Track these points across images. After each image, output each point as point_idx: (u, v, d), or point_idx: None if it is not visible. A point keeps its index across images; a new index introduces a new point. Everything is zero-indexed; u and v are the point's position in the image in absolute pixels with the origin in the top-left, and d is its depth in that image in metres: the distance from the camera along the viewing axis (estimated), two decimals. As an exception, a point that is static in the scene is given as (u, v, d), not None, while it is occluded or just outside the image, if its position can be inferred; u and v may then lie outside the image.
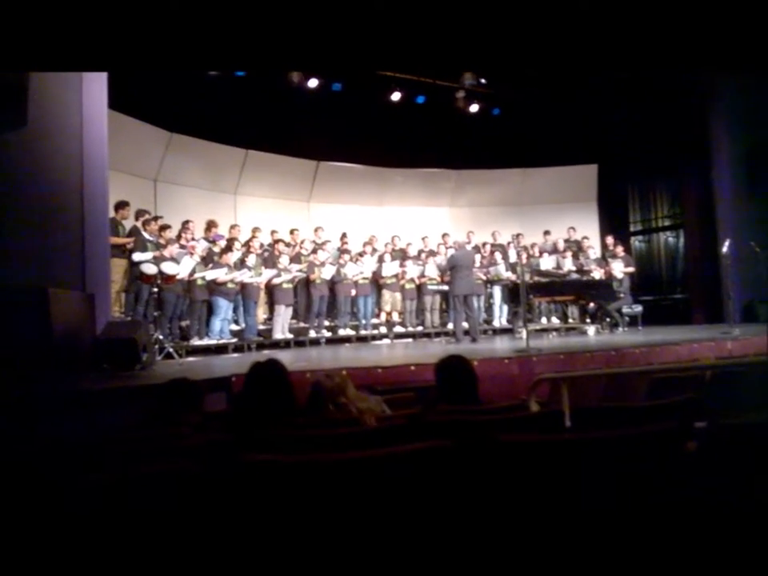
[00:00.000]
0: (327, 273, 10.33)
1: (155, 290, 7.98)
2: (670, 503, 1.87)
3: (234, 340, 9.21)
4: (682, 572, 1.81)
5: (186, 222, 9.44)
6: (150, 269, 7.95)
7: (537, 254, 11.97)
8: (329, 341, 10.50)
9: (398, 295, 11.41)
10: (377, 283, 11.25)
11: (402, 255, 11.67)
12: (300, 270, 10.13)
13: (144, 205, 9.31)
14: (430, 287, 11.28)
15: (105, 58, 4.14)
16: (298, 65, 8.38)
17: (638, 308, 10.97)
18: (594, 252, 11.79)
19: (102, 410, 4.62)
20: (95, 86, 6.83)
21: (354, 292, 10.80)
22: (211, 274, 8.86)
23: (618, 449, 1.92)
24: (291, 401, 2.81)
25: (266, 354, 8.56)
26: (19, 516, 1.50)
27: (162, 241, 8.54)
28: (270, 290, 10.00)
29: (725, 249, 8.94)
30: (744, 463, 1.93)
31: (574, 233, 12.43)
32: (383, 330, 11.23)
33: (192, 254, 8.77)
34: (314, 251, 10.58)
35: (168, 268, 8.05)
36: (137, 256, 8.11)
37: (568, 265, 11.45)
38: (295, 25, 3.78)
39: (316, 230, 11.41)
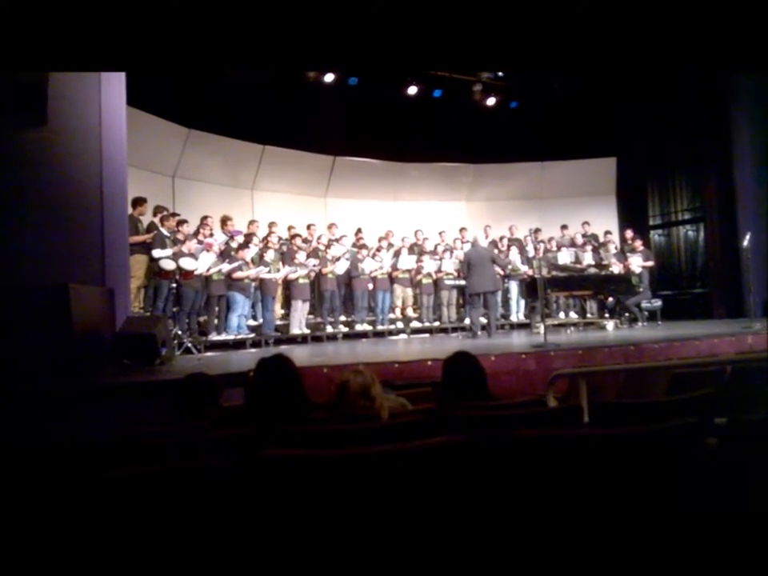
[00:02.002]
0: (340, 268, 10.33)
1: (174, 285, 8.03)
2: (689, 500, 1.85)
3: (252, 335, 9.26)
4: (702, 569, 1.80)
5: (205, 217, 9.48)
6: (168, 265, 8.01)
7: (554, 249, 11.88)
8: (346, 336, 10.53)
9: (409, 290, 11.42)
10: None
11: (419, 250, 11.66)
12: (314, 265, 10.15)
13: (163, 201, 9.38)
14: (446, 282, 11.24)
15: (121, 58, 4.18)
16: (315, 63, 8.35)
17: (658, 303, 10.85)
18: (615, 246, 11.69)
19: (123, 405, 4.68)
20: (113, 83, 6.87)
21: (371, 287, 10.81)
22: (228, 267, 8.87)
23: (637, 445, 1.91)
24: (301, 395, 2.81)
25: (284, 349, 8.60)
26: (40, 511, 1.52)
27: (179, 236, 8.59)
28: (287, 284, 10.04)
29: (745, 242, 8.86)
30: (765, 459, 1.91)
31: (588, 227, 12.33)
32: (400, 325, 11.23)
33: (208, 250, 8.79)
34: (328, 246, 10.61)
35: (186, 264, 8.11)
36: (156, 253, 8.16)
37: (588, 259, 11.34)
38: (313, 21, 3.78)
39: (330, 227, 11.42)
